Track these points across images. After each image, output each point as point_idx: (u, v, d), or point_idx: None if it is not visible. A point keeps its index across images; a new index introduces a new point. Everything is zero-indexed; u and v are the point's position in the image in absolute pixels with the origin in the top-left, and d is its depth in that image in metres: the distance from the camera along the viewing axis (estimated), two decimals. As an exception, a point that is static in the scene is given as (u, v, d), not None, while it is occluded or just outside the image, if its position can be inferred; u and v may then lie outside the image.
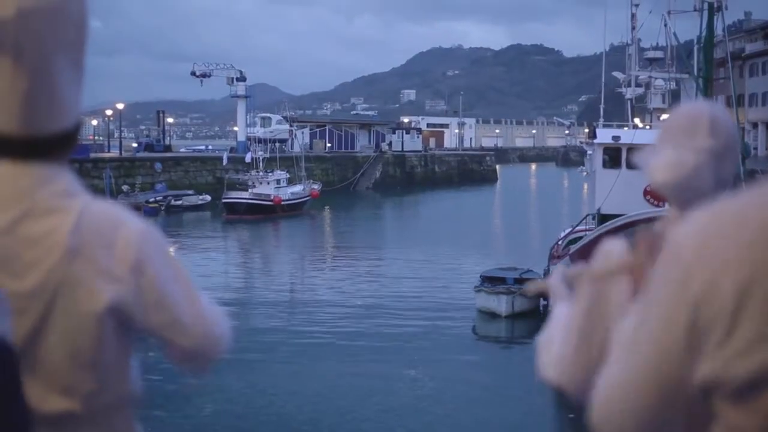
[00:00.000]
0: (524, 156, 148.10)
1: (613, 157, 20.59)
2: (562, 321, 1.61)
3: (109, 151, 60.37)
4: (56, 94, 1.45)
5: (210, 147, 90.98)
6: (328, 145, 76.51)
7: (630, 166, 18.53)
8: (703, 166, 1.69)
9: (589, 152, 23.35)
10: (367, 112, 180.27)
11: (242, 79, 69.86)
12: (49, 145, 1.48)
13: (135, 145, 67.49)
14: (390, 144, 79.16)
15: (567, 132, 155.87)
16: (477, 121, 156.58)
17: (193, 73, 68.90)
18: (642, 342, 0.98)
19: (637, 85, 25.41)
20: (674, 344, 0.93)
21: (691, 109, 1.77)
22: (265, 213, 44.51)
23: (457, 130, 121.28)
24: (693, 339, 0.91)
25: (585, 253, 15.59)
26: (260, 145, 52.15)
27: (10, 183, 1.45)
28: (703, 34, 22.20)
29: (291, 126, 68.41)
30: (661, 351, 0.94)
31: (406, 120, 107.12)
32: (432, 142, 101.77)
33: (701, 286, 0.89)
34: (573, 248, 18.08)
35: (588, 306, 1.54)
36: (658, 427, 0.99)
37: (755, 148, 57.70)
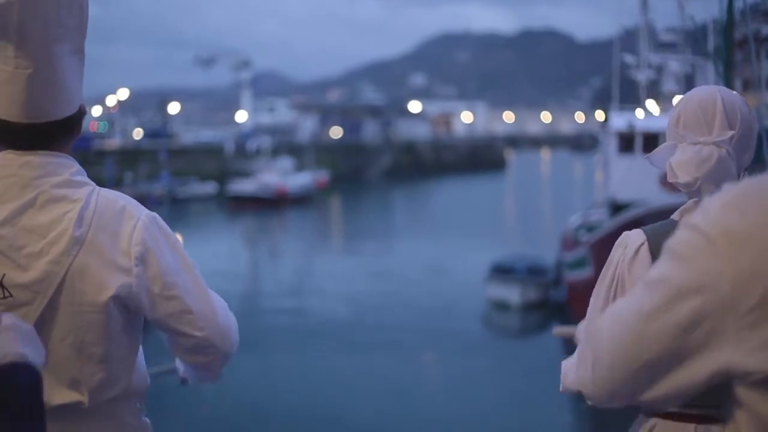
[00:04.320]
0: (536, 141, 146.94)
1: (627, 142, 19.97)
2: None
3: (115, 137, 59.58)
4: (59, 81, 1.42)
5: (215, 134, 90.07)
6: (337, 132, 75.75)
7: (645, 151, 17.86)
8: (725, 158, 1.61)
9: (602, 137, 22.69)
10: (375, 100, 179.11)
11: (247, 64, 69.02)
12: (52, 132, 1.45)
13: (139, 134, 66.69)
14: (399, 131, 78.35)
15: (579, 117, 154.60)
16: (488, 107, 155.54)
17: (198, 60, 68.25)
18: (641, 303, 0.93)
19: (650, 68, 24.83)
20: (674, 317, 0.88)
21: (702, 97, 1.65)
22: (271, 202, 43.80)
23: (467, 117, 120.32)
24: (699, 321, 0.86)
25: (603, 244, 14.81)
26: (266, 132, 51.49)
27: (14, 173, 1.42)
28: (723, 16, 21.42)
29: (296, 113, 67.77)
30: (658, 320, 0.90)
31: (415, 106, 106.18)
32: (442, 128, 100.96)
33: (729, 266, 0.82)
34: (590, 238, 17.46)
35: None
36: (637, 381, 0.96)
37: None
